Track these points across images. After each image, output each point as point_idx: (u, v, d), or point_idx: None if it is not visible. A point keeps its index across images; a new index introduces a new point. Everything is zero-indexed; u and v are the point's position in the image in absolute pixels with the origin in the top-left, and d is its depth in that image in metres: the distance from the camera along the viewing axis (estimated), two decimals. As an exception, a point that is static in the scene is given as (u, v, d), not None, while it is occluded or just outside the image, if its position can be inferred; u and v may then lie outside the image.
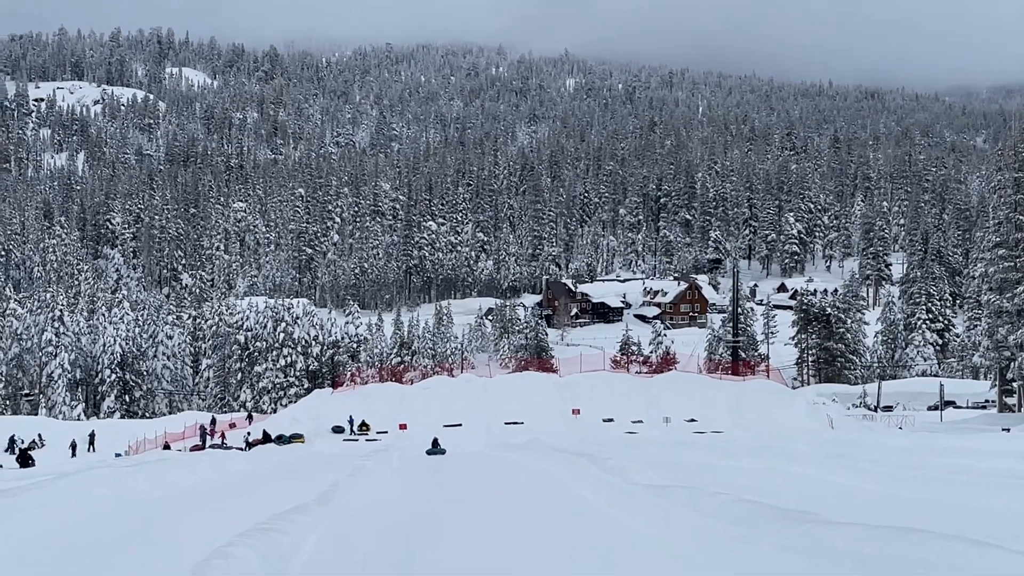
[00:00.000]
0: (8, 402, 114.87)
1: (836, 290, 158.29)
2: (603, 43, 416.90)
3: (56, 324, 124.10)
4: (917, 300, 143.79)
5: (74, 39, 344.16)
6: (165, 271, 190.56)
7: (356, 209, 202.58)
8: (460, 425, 66.49)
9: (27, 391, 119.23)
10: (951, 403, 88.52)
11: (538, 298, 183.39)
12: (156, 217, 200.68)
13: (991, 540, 9.38)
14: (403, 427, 67.90)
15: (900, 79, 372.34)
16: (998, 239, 73.34)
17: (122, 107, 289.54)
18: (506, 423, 67.34)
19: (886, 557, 8.62)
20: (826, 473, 21.43)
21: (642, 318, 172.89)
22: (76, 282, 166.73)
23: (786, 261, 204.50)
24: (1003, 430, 58.98)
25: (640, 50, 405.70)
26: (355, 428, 68.68)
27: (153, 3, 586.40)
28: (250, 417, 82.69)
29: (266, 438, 64.40)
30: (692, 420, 68.63)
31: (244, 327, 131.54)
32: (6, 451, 64.52)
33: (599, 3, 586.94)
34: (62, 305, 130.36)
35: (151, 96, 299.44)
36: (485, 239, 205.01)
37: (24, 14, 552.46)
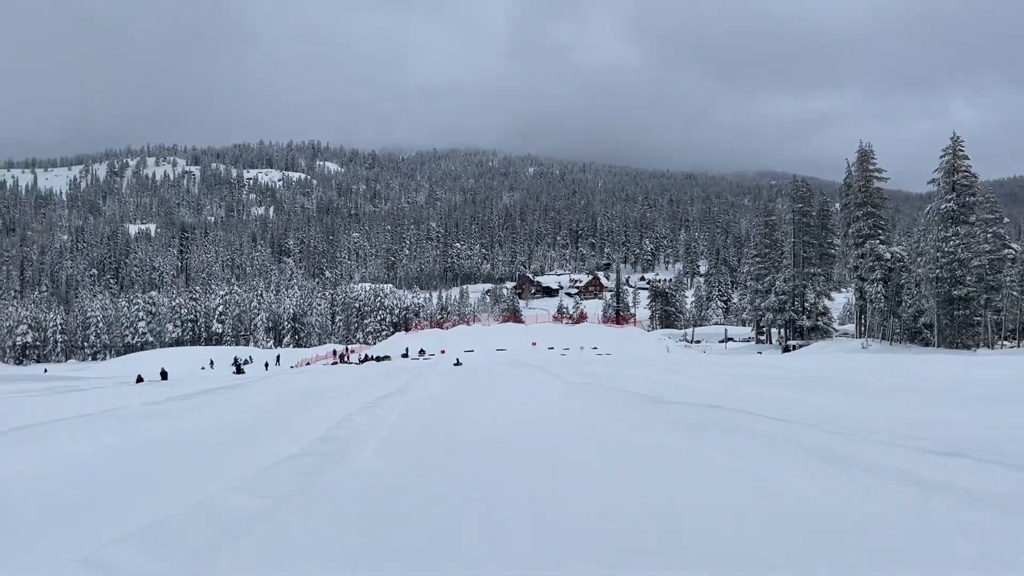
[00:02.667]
0: (233, 339, 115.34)
1: (671, 279, 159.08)
2: (549, 147, 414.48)
3: (258, 297, 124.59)
4: (713, 284, 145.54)
5: (268, 145, 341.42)
6: (316, 269, 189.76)
7: (417, 237, 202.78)
8: (473, 351, 66.40)
9: (244, 333, 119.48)
10: (731, 339, 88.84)
11: (514, 284, 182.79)
12: (311, 241, 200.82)
13: (757, 412, 9.39)
14: (443, 352, 67.78)
15: (705, 166, 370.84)
16: (756, 252, 73.67)
17: (292, 183, 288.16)
18: (497, 350, 67.36)
19: (702, 421, 8.59)
20: (667, 376, 21.43)
21: (569, 294, 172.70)
22: (269, 275, 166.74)
23: (644, 264, 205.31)
24: (758, 352, 59.00)
25: (568, 150, 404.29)
26: (410, 353, 69.13)
27: (310, 123, 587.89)
28: (350, 350, 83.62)
29: (367, 358, 65.46)
30: (595, 348, 68.71)
31: (359, 299, 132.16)
32: (231, 365, 64.76)
33: (548, 125, 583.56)
34: (261, 288, 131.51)
35: (308, 176, 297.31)
36: (486, 252, 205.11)
37: (242, 128, 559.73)
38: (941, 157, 51.77)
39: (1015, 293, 49.69)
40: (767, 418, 8.87)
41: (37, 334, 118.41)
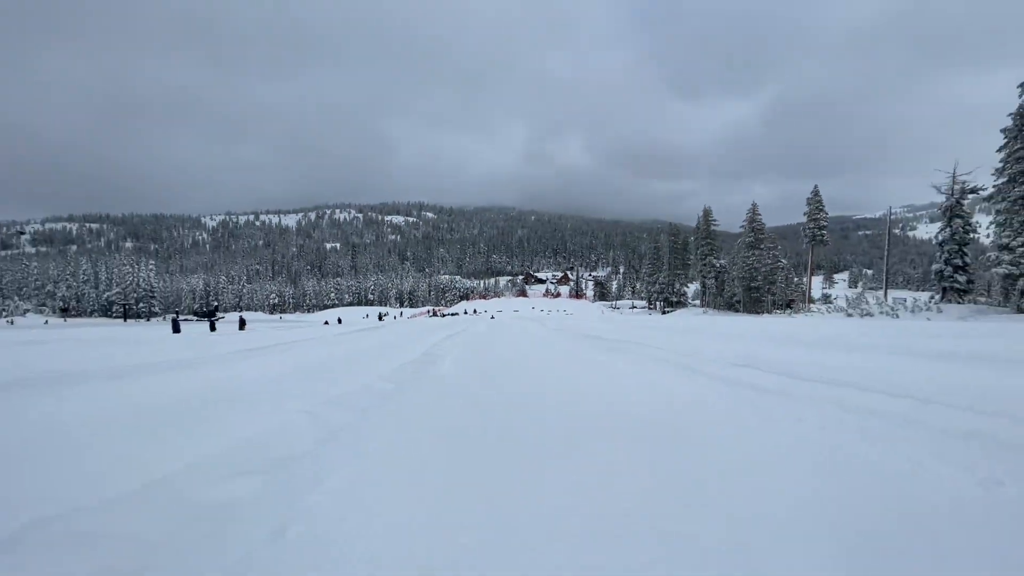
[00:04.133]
0: (378, 303, 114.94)
1: (604, 275, 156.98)
2: (543, 205, 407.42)
3: (391, 281, 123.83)
4: (626, 278, 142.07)
5: (396, 203, 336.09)
6: (421, 267, 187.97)
7: (473, 252, 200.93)
8: (501, 311, 66.28)
9: (384, 300, 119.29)
10: (635, 307, 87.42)
11: (523, 276, 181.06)
12: (419, 253, 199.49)
13: (645, 343, 9.32)
14: (485, 311, 67.68)
15: (625, 216, 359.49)
16: (649, 262, 72.08)
17: (409, 223, 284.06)
18: (513, 311, 67.19)
19: (616, 347, 8.59)
20: (601, 324, 21.27)
21: (551, 283, 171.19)
22: (396, 271, 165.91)
23: (591, 267, 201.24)
24: (648, 314, 57.90)
25: (553, 207, 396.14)
26: (468, 312, 68.70)
27: (420, 189, 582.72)
28: (437, 309, 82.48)
29: (446, 314, 64.91)
30: (564, 311, 68.35)
31: (442, 283, 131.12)
32: (378, 317, 64.66)
33: (542, 193, 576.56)
34: (393, 277, 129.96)
35: (417, 219, 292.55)
36: (508, 260, 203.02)
37: (385, 193, 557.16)
38: (747, 213, 51.04)
39: (782, 285, 49.42)
40: (650, 346, 8.88)
41: (279, 299, 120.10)
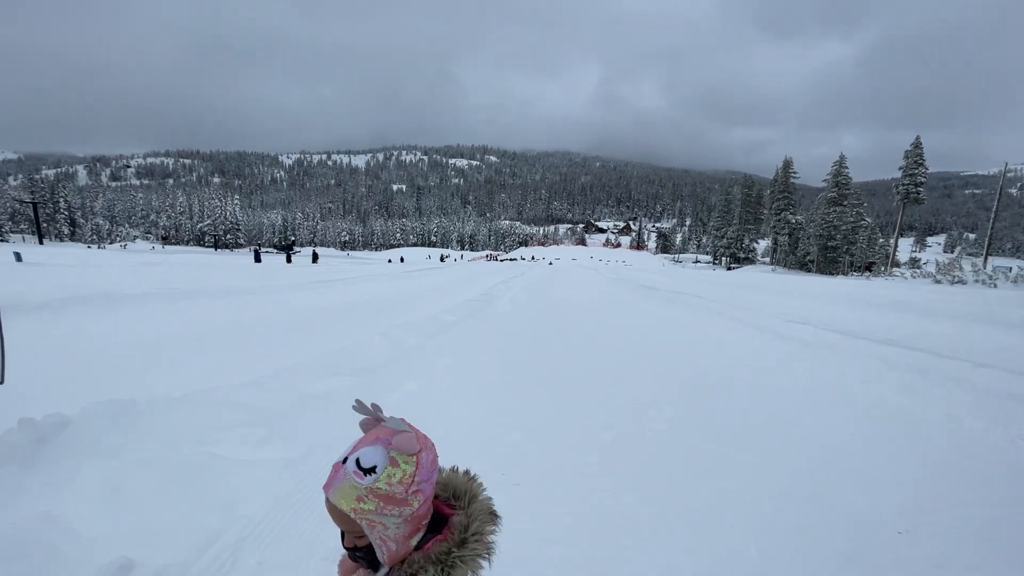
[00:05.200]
0: (440, 245, 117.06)
1: (669, 227, 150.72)
2: (609, 151, 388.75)
3: (453, 224, 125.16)
4: (692, 231, 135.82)
5: (461, 146, 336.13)
6: (482, 211, 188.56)
7: (534, 198, 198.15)
8: (559, 258, 66.06)
9: (445, 242, 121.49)
10: (698, 261, 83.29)
11: (583, 225, 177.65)
12: (480, 198, 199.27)
13: (703, 296, 9.20)
14: (544, 258, 67.71)
15: (695, 166, 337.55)
16: (718, 215, 68.31)
17: (472, 166, 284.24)
18: (572, 259, 66.78)
19: (673, 299, 8.58)
20: (660, 277, 20.86)
21: (612, 232, 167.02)
22: (458, 214, 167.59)
23: (655, 218, 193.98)
24: (713, 269, 55.72)
25: (619, 153, 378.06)
26: (526, 257, 68.79)
27: (483, 132, 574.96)
28: (495, 255, 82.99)
29: (502, 260, 65.25)
30: (623, 262, 67.04)
31: (502, 229, 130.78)
32: (439, 258, 66.21)
33: (609, 138, 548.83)
34: (455, 220, 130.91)
35: (480, 163, 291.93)
36: (569, 207, 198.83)
37: (450, 135, 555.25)
38: (832, 166, 46.72)
39: (863, 245, 45.86)
40: (708, 300, 8.82)
41: (350, 237, 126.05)
